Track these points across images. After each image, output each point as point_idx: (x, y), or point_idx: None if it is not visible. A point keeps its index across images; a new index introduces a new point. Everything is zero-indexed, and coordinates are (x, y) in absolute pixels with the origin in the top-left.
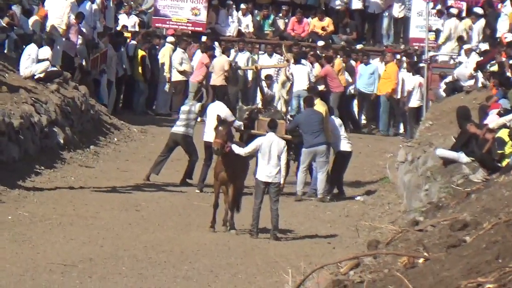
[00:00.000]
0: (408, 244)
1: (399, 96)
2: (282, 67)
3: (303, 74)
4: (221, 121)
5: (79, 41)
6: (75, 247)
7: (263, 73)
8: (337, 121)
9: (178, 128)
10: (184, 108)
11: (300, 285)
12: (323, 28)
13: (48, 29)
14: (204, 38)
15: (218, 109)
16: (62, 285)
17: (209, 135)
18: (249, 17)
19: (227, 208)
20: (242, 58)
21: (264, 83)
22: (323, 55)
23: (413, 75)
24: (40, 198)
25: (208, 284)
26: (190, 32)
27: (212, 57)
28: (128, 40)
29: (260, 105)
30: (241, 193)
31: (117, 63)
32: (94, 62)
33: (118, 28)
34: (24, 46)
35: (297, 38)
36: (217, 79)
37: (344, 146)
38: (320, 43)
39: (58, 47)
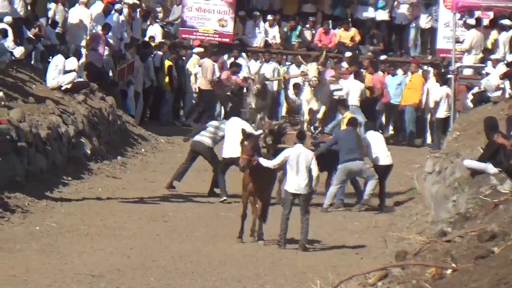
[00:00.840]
0: (436, 255)
1: (423, 106)
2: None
3: (356, 90)
4: (246, 135)
5: (106, 52)
6: (103, 258)
7: (291, 82)
8: (376, 135)
9: (203, 138)
10: (214, 122)
11: None
12: (351, 39)
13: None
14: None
15: (236, 124)
16: None
17: (228, 151)
18: (276, 28)
19: (254, 219)
20: (268, 69)
21: (292, 91)
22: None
23: (440, 85)
24: (67, 209)
25: None
26: (217, 42)
27: (235, 73)
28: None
29: (284, 113)
30: (268, 203)
31: (144, 74)
32: (121, 73)
33: (146, 38)
34: (51, 57)
35: (324, 49)
36: (203, 82)
37: (384, 160)
38: (347, 54)
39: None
